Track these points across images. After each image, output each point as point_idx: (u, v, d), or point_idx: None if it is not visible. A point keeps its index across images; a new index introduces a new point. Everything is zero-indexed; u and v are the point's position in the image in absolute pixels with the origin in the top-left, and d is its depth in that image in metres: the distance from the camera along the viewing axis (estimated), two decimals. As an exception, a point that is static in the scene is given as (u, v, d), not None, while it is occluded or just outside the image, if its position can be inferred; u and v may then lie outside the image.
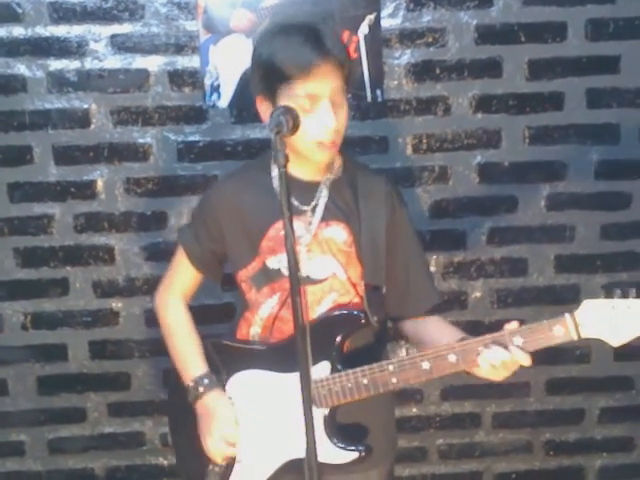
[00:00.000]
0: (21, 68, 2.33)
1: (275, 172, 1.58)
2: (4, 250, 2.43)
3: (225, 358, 1.65)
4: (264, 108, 1.53)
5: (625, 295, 1.35)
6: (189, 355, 1.67)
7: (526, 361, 1.42)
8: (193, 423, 1.65)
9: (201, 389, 1.61)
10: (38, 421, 2.54)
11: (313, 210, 1.57)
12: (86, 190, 2.41)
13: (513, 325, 1.44)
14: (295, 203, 1.55)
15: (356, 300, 1.61)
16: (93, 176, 2.40)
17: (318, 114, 1.46)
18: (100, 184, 2.41)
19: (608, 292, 1.36)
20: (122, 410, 2.54)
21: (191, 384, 1.63)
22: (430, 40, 2.37)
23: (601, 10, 2.37)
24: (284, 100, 1.46)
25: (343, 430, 1.55)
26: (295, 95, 1.45)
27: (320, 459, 1.45)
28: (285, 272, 1.56)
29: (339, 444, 1.53)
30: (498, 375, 1.44)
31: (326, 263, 1.58)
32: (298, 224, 1.53)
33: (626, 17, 2.38)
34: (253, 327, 1.64)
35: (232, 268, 1.67)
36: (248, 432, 1.61)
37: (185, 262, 1.69)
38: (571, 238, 2.51)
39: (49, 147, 2.38)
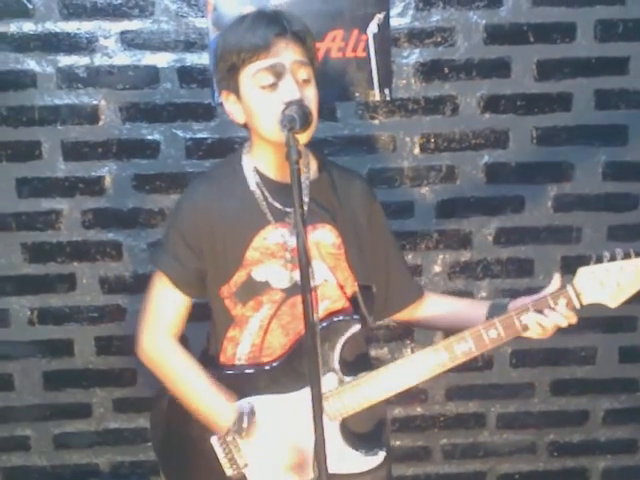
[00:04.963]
0: (31, 64, 2.34)
1: (249, 173, 1.52)
2: (12, 245, 2.44)
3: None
4: (230, 103, 1.48)
5: (613, 257, 1.39)
6: (211, 397, 1.50)
7: (574, 319, 1.45)
8: (201, 460, 1.54)
9: (244, 424, 1.46)
10: (44, 416, 2.55)
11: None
12: (94, 186, 2.41)
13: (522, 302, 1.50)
14: (277, 205, 1.49)
15: (346, 305, 1.56)
16: (101, 172, 2.41)
17: (281, 88, 1.39)
18: (108, 180, 2.41)
19: (598, 258, 1.40)
20: (127, 406, 2.55)
21: (232, 424, 1.48)
22: (439, 40, 2.37)
23: (610, 11, 2.37)
24: (247, 86, 1.42)
25: (361, 436, 1.53)
26: (256, 74, 1.40)
27: (348, 471, 1.48)
28: (273, 284, 1.50)
29: (365, 451, 1.50)
30: (546, 334, 1.48)
31: (316, 269, 1.49)
32: (282, 230, 1.49)
33: (635, 18, 2.37)
34: (241, 346, 1.54)
35: (212, 284, 1.54)
36: (263, 458, 1.51)
37: (169, 290, 1.55)
38: (578, 239, 2.51)
39: (58, 143, 2.38)
